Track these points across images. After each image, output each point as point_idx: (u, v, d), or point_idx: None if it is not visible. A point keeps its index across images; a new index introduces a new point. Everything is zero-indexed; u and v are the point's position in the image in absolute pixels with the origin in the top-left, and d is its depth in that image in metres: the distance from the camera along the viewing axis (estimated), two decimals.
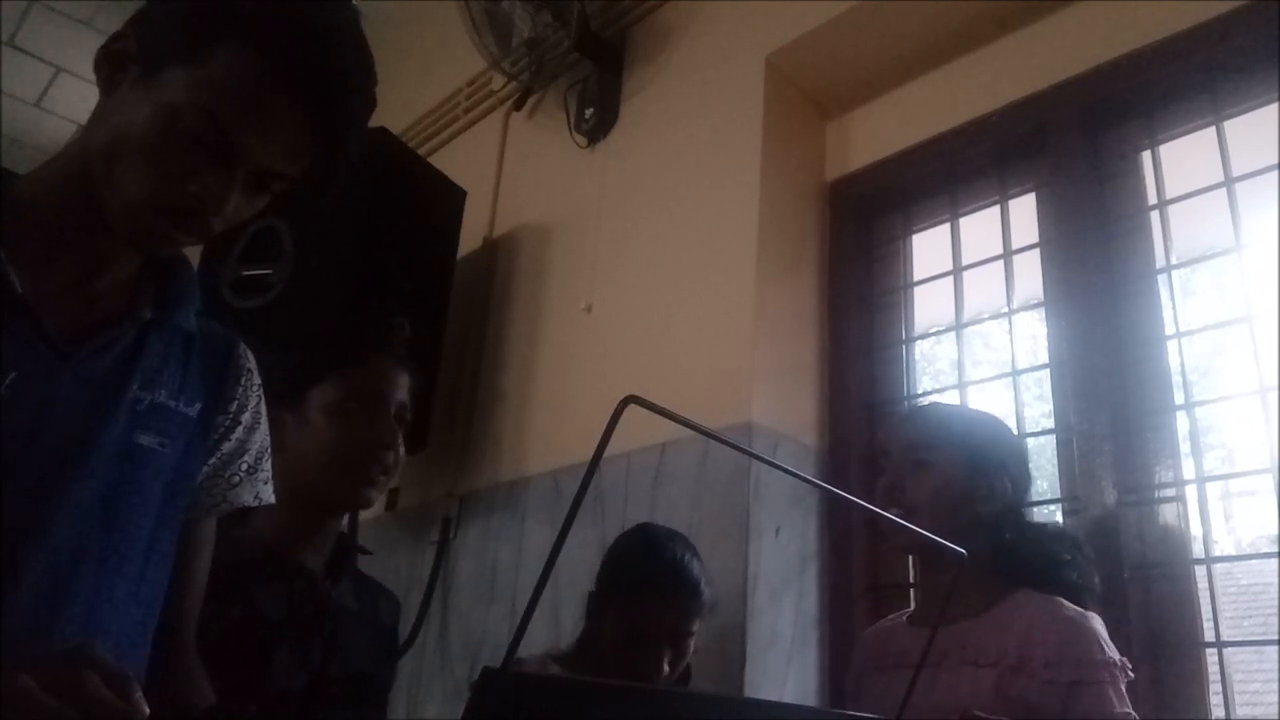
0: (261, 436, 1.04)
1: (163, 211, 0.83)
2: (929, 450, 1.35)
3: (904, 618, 1.43)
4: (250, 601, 1.23)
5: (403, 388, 1.40)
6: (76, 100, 3.69)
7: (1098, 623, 1.21)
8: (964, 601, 1.27)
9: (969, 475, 1.33)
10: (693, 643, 1.40)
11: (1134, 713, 1.15)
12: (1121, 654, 1.19)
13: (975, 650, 1.21)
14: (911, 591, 1.77)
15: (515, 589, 2.06)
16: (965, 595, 1.27)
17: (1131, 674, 1.18)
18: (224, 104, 0.82)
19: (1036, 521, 1.43)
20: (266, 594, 1.26)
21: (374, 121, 0.97)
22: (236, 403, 1.00)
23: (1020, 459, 1.40)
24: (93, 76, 0.88)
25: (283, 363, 1.37)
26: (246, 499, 1.02)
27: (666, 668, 1.36)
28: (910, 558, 1.72)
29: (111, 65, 0.87)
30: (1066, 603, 1.23)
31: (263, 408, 1.04)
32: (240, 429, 1.00)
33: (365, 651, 1.35)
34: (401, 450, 1.38)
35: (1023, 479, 1.39)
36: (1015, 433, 1.45)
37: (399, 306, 2.12)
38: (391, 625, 1.49)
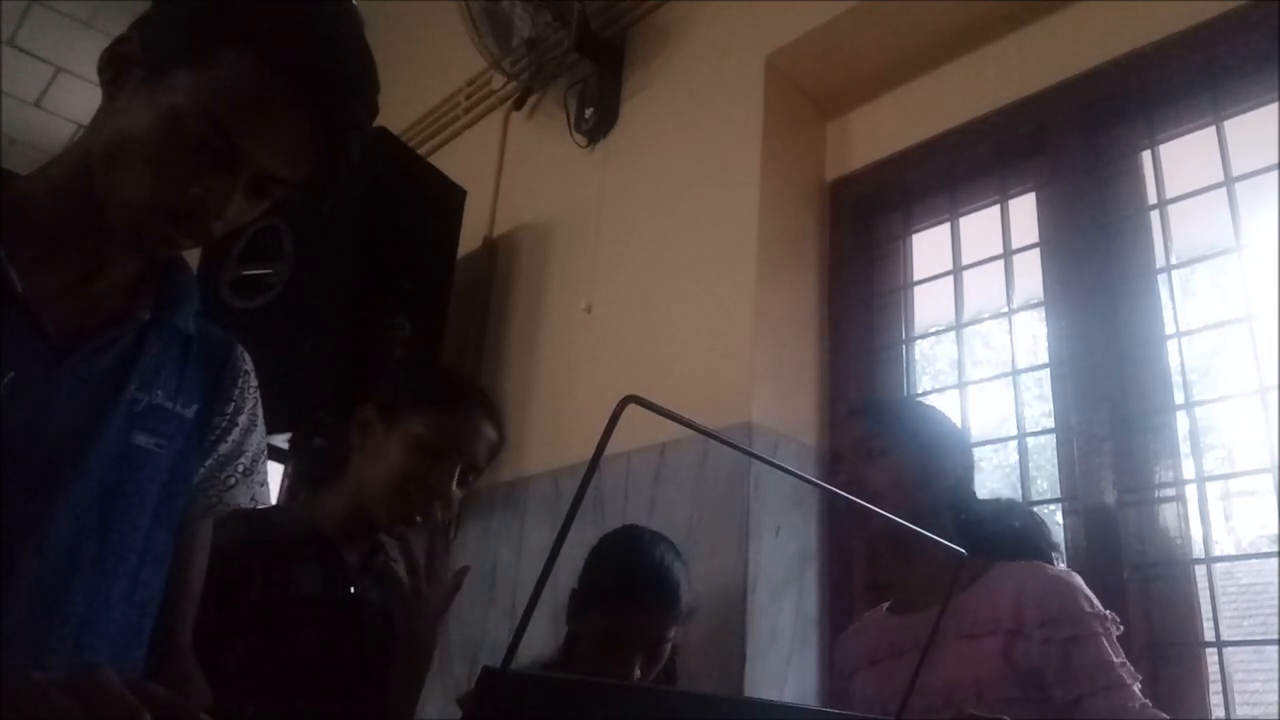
0: (258, 439, 1.04)
1: (164, 214, 0.83)
2: (880, 439, 1.39)
3: (883, 610, 1.44)
4: (286, 577, 1.28)
5: (485, 445, 1.41)
6: (76, 100, 3.69)
7: (1079, 580, 1.25)
8: (941, 582, 1.30)
9: (921, 456, 1.38)
10: (668, 648, 1.39)
11: (1129, 663, 1.18)
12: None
13: (968, 624, 1.24)
14: None
15: (515, 589, 2.06)
16: (942, 575, 1.30)
17: (1121, 627, 1.21)
18: (227, 108, 0.82)
19: (985, 498, 1.46)
20: (304, 572, 1.30)
21: (374, 122, 0.97)
22: (233, 405, 1.00)
23: (960, 437, 1.46)
24: (93, 76, 0.88)
25: (400, 375, 1.49)
26: (243, 500, 1.02)
27: (638, 673, 1.35)
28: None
29: (115, 68, 0.87)
30: (1047, 565, 1.28)
31: (259, 410, 1.04)
32: (237, 431, 1.01)
33: (380, 645, 1.37)
34: (455, 503, 1.40)
35: (967, 455, 1.45)
36: (948, 415, 1.52)
37: (399, 306, 2.13)
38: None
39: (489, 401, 1.46)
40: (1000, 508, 1.41)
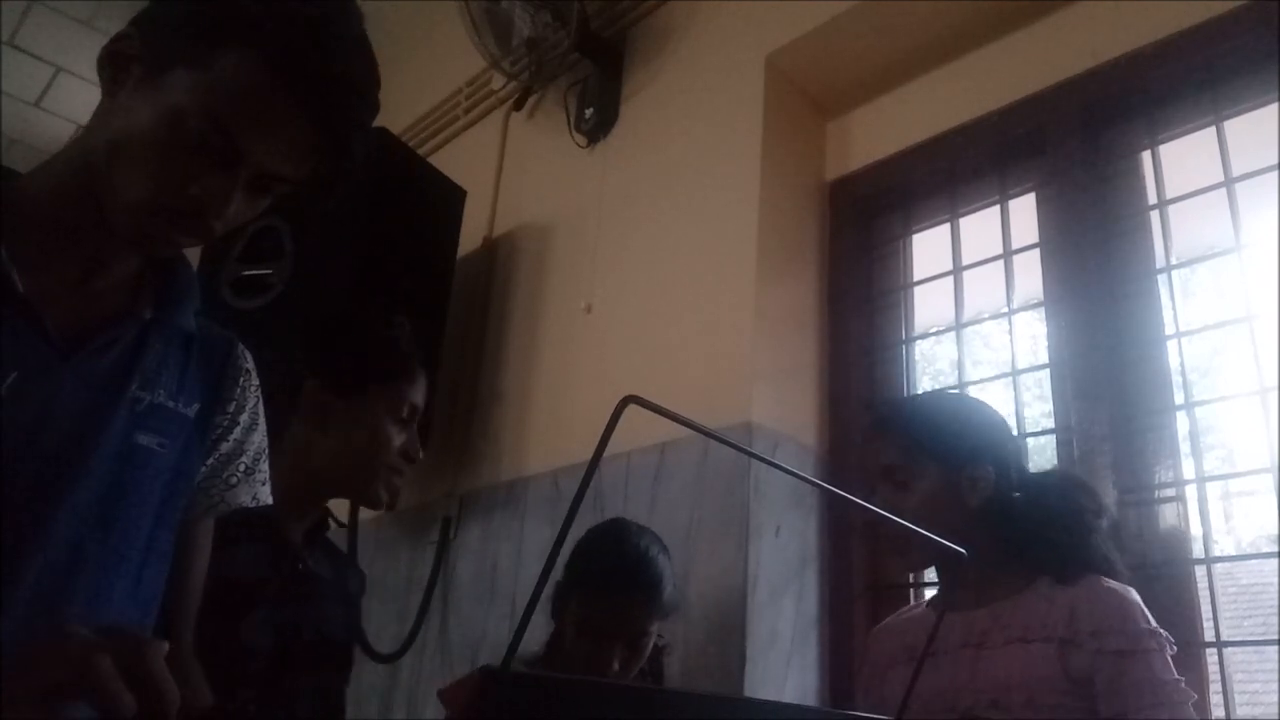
0: (259, 437, 1.04)
1: (163, 213, 0.83)
2: (902, 471, 1.35)
3: (923, 607, 1.43)
4: (232, 559, 1.26)
5: (423, 393, 1.48)
6: (76, 100, 3.69)
7: (1136, 595, 1.22)
8: (992, 586, 1.29)
9: (947, 479, 1.32)
10: (649, 641, 1.39)
11: (1182, 679, 1.15)
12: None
13: (1019, 628, 1.22)
14: (911, 591, 1.78)
15: (515, 589, 2.06)
16: (993, 580, 1.29)
17: (1175, 647, 1.18)
18: (228, 107, 0.82)
19: (1037, 484, 1.37)
20: (248, 554, 1.29)
21: (375, 122, 0.97)
22: (235, 403, 1.00)
23: (995, 432, 1.38)
24: (93, 76, 0.88)
25: (342, 349, 1.45)
26: (244, 499, 1.02)
27: (618, 665, 1.35)
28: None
29: (115, 66, 0.87)
30: (1105, 579, 1.24)
31: (260, 409, 1.04)
32: (238, 430, 1.00)
33: (335, 619, 1.39)
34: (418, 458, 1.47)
35: (1004, 450, 1.37)
36: (982, 405, 1.45)
37: (399, 306, 2.13)
38: (357, 597, 1.54)
39: (423, 348, 1.51)
40: (1053, 509, 1.31)
